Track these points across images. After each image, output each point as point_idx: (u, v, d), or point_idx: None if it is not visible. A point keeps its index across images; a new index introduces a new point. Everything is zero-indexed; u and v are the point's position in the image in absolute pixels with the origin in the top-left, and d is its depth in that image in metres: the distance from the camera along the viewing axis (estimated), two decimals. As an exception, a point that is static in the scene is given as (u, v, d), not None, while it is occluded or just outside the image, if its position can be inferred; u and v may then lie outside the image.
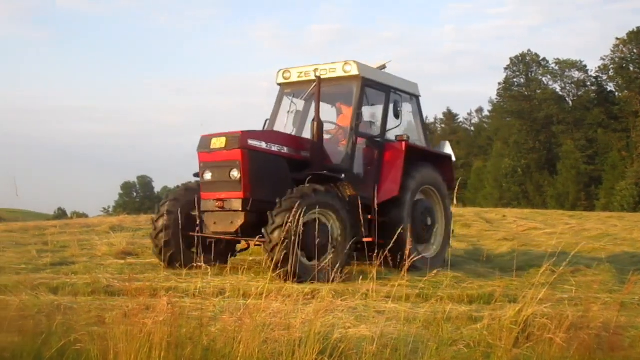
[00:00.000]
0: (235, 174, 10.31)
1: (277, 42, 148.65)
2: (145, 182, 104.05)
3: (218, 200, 10.47)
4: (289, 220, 8.94)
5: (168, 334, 5.18)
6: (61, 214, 56.61)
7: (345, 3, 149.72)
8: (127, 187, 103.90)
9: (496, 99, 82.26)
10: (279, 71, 12.29)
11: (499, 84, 79.79)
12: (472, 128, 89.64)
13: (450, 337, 6.28)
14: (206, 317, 6.45)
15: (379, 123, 12.16)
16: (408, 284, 8.55)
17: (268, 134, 11.25)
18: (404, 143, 11.78)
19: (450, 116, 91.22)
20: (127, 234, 16.25)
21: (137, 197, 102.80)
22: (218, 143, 10.53)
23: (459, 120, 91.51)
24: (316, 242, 9.52)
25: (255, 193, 10.30)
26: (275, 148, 10.85)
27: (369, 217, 10.97)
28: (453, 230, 13.26)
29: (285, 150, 11.02)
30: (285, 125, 12.27)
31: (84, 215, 31.18)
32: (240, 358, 5.18)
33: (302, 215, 9.08)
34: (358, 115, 11.50)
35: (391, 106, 12.00)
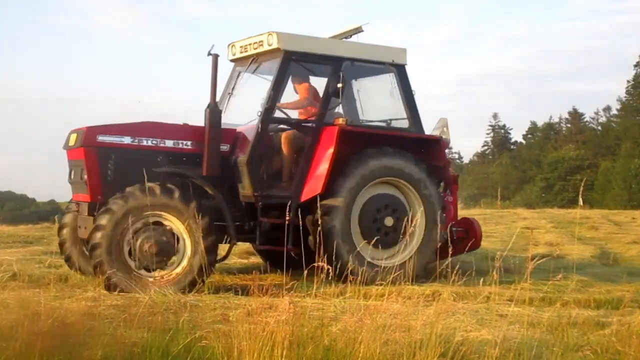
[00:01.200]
0: (85, 175, 9.17)
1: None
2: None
3: (76, 203, 9.67)
4: (114, 223, 8.31)
5: (290, 333, 5.25)
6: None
7: (465, 3, 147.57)
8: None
9: (625, 97, 79.19)
10: (228, 45, 10.73)
11: (628, 81, 76.81)
12: (599, 127, 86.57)
13: (576, 342, 6.11)
14: (327, 317, 6.51)
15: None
16: (531, 287, 8.36)
17: (138, 126, 9.58)
18: (336, 127, 9.72)
19: (576, 115, 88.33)
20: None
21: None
22: (72, 139, 9.38)
23: (585, 120, 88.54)
24: (151, 250, 8.48)
25: (108, 196, 8.75)
26: (148, 142, 9.46)
27: (287, 220, 9.25)
28: (453, 231, 10.74)
29: (165, 143, 9.55)
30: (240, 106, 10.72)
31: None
32: (360, 358, 5.18)
33: (128, 218, 8.36)
34: (273, 96, 9.72)
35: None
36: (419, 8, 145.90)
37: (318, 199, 9.34)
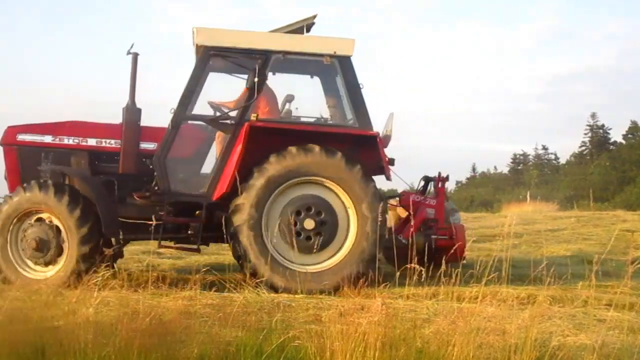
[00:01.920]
0: (6, 172, 9.85)
1: (484, 44, 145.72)
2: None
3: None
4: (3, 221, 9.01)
5: (382, 334, 5.25)
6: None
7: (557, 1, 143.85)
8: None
9: None
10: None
11: None
12: None
13: (680, 349, 5.89)
14: (419, 318, 6.48)
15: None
16: (631, 291, 8.11)
17: (61, 126, 9.78)
18: (245, 125, 9.20)
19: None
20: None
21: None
22: None
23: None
24: (31, 246, 9.03)
25: None
26: (69, 141, 9.69)
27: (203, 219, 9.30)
28: (433, 239, 9.86)
29: (88, 142, 9.70)
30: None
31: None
32: (453, 361, 5.15)
33: (14, 216, 9.05)
34: (186, 93, 9.50)
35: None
36: (513, 4, 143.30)
37: (233, 197, 9.15)
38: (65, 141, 9.74)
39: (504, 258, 6.66)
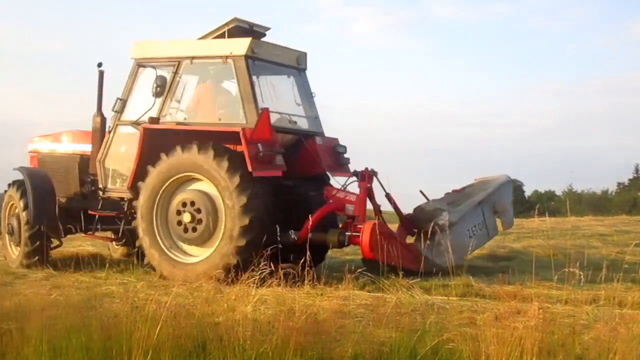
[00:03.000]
0: None
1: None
2: (515, 187, 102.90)
3: None
4: None
5: (539, 339, 5.13)
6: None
7: None
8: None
9: None
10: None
11: None
12: None
13: None
14: (578, 324, 6.28)
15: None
16: None
17: (58, 134, 12.34)
18: (142, 128, 10.24)
19: None
20: (497, 237, 16.25)
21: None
22: None
23: None
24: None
25: None
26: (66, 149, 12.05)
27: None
28: (347, 235, 9.90)
29: (77, 149, 11.81)
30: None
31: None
32: (615, 370, 4.96)
33: None
34: (120, 101, 10.89)
35: (179, 82, 10.58)
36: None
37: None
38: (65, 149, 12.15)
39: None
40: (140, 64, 10.88)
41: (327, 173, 10.88)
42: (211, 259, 9.67)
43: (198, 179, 9.98)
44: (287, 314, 5.89)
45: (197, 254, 9.97)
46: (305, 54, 11.37)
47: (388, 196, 10.63)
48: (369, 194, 10.27)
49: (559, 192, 64.12)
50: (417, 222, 10.57)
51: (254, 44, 10.27)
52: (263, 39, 10.84)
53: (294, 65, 11.23)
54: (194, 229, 9.88)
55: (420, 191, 10.90)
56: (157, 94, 10.47)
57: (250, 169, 9.53)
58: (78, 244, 14.12)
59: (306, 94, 11.33)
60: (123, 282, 9.15)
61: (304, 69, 11.38)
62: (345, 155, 11.19)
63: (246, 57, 10.17)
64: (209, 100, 10.97)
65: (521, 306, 6.28)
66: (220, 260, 9.51)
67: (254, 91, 10.10)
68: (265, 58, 10.63)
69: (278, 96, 11.21)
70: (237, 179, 9.53)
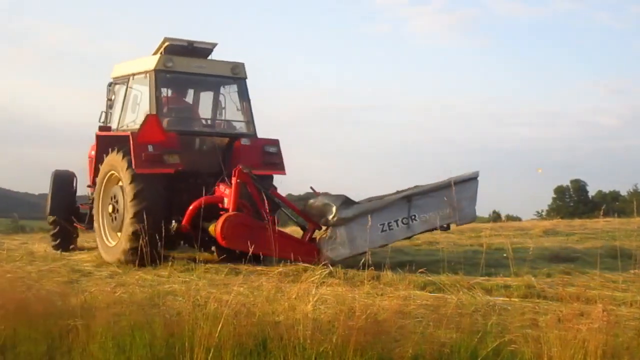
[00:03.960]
0: None
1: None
2: (578, 186, 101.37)
3: None
4: None
5: (603, 342, 5.04)
6: (496, 217, 57.49)
7: None
8: (559, 190, 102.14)
9: None
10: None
11: None
12: None
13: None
14: (644, 328, 6.14)
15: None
16: None
17: None
18: (95, 134, 12.82)
19: None
20: (560, 238, 16.09)
21: (571, 201, 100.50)
22: None
23: None
24: None
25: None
26: None
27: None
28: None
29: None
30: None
31: (517, 219, 31.36)
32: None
33: None
34: (105, 114, 13.14)
35: (129, 95, 12.77)
36: None
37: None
38: None
39: None
40: (113, 82, 13.17)
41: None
42: (120, 244, 11.63)
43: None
44: (347, 314, 5.90)
45: (115, 240, 11.97)
46: (242, 64, 12.83)
47: (272, 194, 11.65)
48: (242, 189, 11.16)
49: (623, 192, 62.88)
50: (310, 217, 11.42)
51: (165, 60, 12.15)
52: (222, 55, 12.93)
53: (228, 75, 12.77)
54: (115, 219, 11.92)
55: (311, 187, 11.94)
56: (117, 106, 12.91)
57: (133, 166, 11.31)
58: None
59: (241, 101, 12.81)
60: (185, 280, 9.26)
61: (242, 78, 12.81)
62: (276, 155, 12.46)
63: (156, 71, 12.06)
64: (140, 109, 12.51)
65: (585, 308, 6.19)
66: (124, 245, 11.41)
67: (157, 100, 12.03)
68: (183, 71, 12.51)
69: (207, 104, 13.30)
70: (130, 176, 11.37)
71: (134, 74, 12.63)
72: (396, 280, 8.94)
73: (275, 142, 12.50)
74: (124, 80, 12.84)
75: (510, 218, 30.91)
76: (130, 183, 11.31)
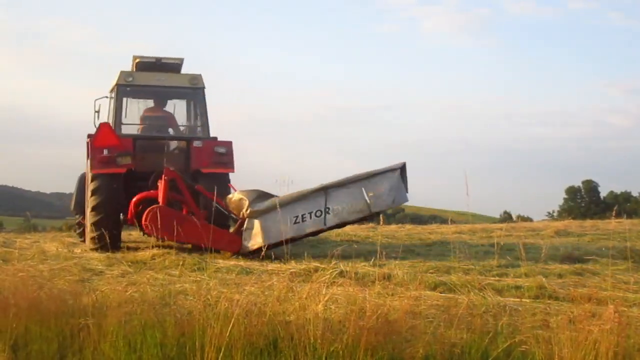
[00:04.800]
0: None
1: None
2: (590, 187, 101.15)
3: None
4: None
5: (615, 343, 5.02)
6: (507, 217, 57.44)
7: None
8: (571, 191, 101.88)
9: None
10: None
11: None
12: None
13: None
14: (657, 329, 6.12)
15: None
16: None
17: None
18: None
19: None
20: (571, 239, 16.03)
21: (582, 202, 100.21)
22: None
23: None
24: None
25: None
26: None
27: None
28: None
29: None
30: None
31: (529, 219, 31.32)
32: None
33: None
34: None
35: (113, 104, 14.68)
36: None
37: None
38: None
39: None
40: (111, 92, 14.82)
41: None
42: (90, 233, 13.41)
43: None
44: (358, 314, 5.89)
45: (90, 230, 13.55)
46: (200, 76, 14.73)
47: (198, 189, 13.03)
48: (171, 187, 12.63)
49: (635, 193, 62.66)
50: (230, 210, 12.61)
51: (126, 75, 14.48)
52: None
53: (186, 85, 14.73)
54: (90, 212, 13.36)
55: (229, 184, 13.63)
56: (103, 115, 14.61)
57: (89, 167, 13.46)
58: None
59: (196, 108, 14.89)
60: (196, 280, 9.27)
61: (200, 87, 14.70)
62: (225, 155, 13.86)
63: (117, 85, 14.40)
64: (110, 118, 14.62)
65: (596, 309, 6.17)
66: (90, 234, 13.36)
67: (116, 110, 14.40)
68: (143, 84, 14.66)
69: (166, 112, 15.38)
70: (90, 176, 13.45)
71: (111, 88, 14.72)
72: (407, 281, 8.94)
73: (226, 144, 14.00)
74: (109, 92, 14.90)
75: (521, 218, 30.86)
76: (91, 182, 13.40)
